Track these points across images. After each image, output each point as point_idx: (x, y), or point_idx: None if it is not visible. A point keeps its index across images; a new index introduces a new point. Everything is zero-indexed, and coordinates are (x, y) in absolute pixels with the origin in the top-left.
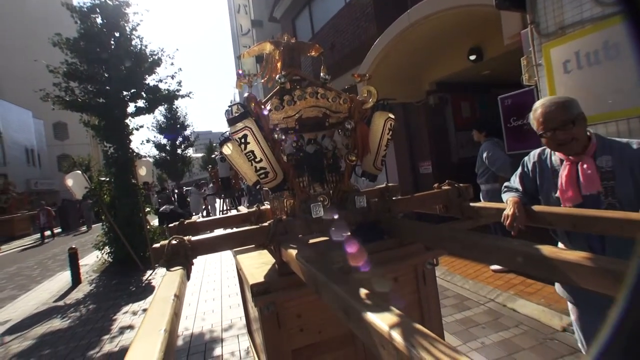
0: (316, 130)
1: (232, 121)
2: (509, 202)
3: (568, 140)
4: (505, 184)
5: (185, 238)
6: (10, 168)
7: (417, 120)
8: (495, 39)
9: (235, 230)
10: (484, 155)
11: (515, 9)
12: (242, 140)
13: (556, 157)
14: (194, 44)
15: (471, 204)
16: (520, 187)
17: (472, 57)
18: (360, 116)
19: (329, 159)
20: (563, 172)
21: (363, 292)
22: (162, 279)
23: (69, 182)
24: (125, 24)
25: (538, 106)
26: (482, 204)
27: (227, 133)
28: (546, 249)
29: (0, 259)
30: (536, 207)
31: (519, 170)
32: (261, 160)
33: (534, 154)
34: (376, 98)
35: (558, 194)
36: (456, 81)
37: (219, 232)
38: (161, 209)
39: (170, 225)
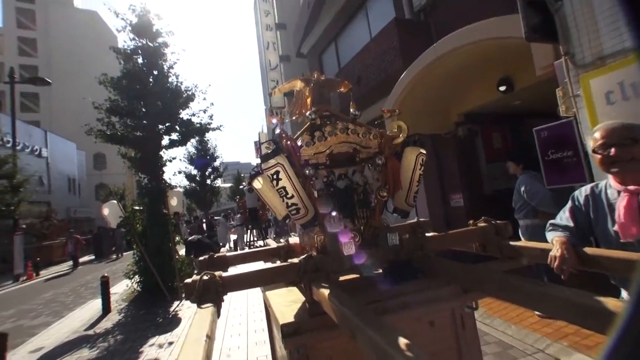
0: (347, 166)
1: (264, 158)
2: (555, 242)
3: (625, 159)
4: (551, 221)
5: (217, 274)
6: (53, 196)
7: (447, 152)
8: (526, 69)
9: (265, 267)
10: (522, 189)
11: (546, 40)
12: (274, 177)
13: (612, 190)
14: (224, 77)
15: (511, 243)
16: (570, 223)
17: (502, 88)
18: (391, 151)
19: (360, 195)
20: (621, 203)
21: (402, 341)
22: (194, 316)
23: (105, 211)
24: (164, 63)
25: (600, 126)
26: (524, 243)
27: (258, 167)
28: (610, 302)
29: (36, 285)
30: (589, 250)
31: (569, 204)
32: (293, 196)
33: (586, 188)
34: (407, 133)
35: (616, 227)
36: (486, 112)
37: (248, 267)
38: (189, 238)
39: (201, 258)
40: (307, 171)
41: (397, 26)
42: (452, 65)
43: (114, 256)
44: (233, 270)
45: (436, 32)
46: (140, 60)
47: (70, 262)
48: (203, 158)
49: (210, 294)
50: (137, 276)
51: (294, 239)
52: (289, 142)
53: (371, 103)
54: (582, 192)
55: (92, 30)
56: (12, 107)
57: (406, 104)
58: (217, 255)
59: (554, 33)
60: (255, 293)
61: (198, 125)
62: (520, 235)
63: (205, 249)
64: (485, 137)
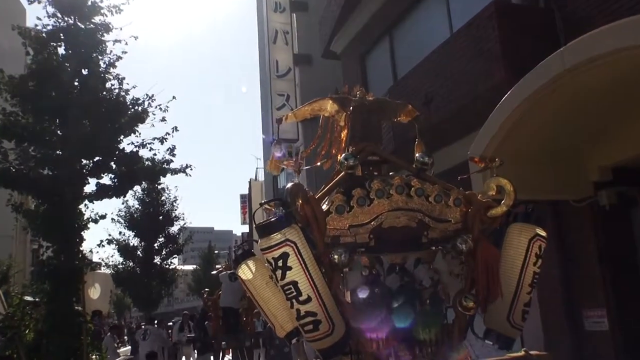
0: (405, 251)
1: (264, 229)
2: None
3: None
4: None
5: None
6: None
7: (579, 234)
8: None
9: None
10: None
11: None
12: (279, 264)
13: None
14: (195, 87)
15: None
16: None
17: None
18: (484, 229)
19: (426, 302)
20: None
21: None
22: None
23: None
24: (100, 57)
25: None
26: None
27: (248, 243)
28: None
29: None
30: None
31: None
32: (309, 299)
33: None
34: (513, 200)
35: None
36: None
37: None
38: None
39: None
40: (335, 257)
41: (499, 14)
42: (592, 84)
43: None
44: None
45: (565, 28)
46: (61, 51)
47: None
48: (151, 226)
49: None
50: None
51: None
52: (308, 206)
53: (447, 142)
54: None
55: None
56: None
57: (508, 146)
58: None
59: None
60: None
61: (148, 162)
62: None
63: None
64: None
